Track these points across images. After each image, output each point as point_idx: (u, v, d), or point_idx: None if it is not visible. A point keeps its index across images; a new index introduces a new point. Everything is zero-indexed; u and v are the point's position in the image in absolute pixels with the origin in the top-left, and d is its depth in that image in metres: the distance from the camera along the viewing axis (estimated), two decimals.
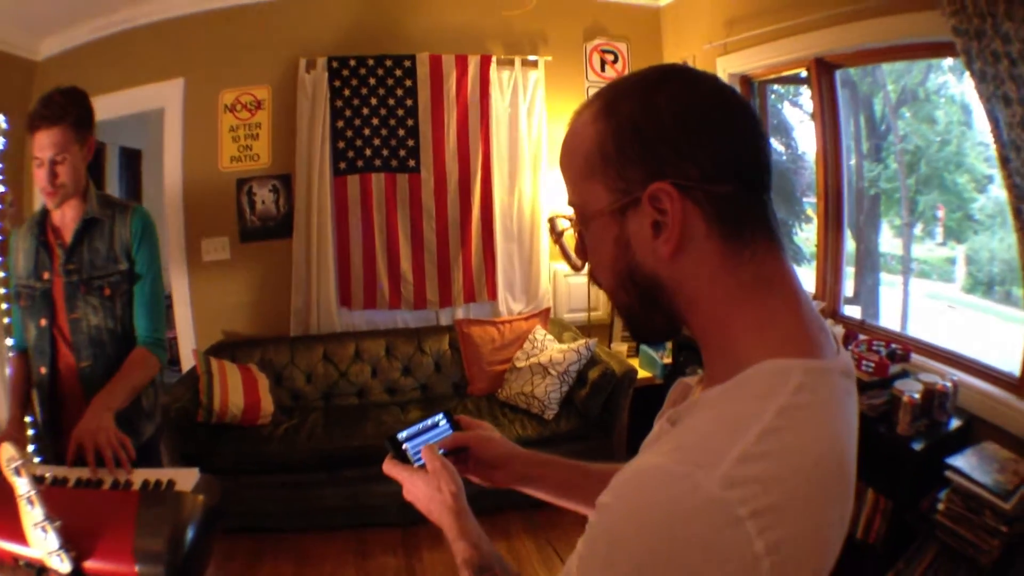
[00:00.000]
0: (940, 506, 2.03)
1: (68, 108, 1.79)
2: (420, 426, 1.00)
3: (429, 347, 3.80)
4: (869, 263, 2.75)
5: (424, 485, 0.90)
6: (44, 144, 1.78)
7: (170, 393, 3.29)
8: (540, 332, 3.76)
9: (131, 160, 5.94)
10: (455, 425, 1.03)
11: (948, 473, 2.02)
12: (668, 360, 3.68)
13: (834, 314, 2.90)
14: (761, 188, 0.64)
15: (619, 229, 0.65)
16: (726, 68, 3.39)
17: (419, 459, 0.94)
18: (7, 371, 2.09)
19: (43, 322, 1.87)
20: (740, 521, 0.51)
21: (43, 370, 1.89)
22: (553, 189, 4.00)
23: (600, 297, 4.15)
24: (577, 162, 0.67)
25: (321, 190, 3.82)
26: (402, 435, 0.98)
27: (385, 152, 3.87)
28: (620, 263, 0.67)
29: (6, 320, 3.59)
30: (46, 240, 1.88)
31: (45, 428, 1.94)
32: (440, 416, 1.03)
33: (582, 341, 3.54)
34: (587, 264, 0.73)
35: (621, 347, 4.06)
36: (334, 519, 3.23)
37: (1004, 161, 1.91)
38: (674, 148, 0.61)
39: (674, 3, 3.98)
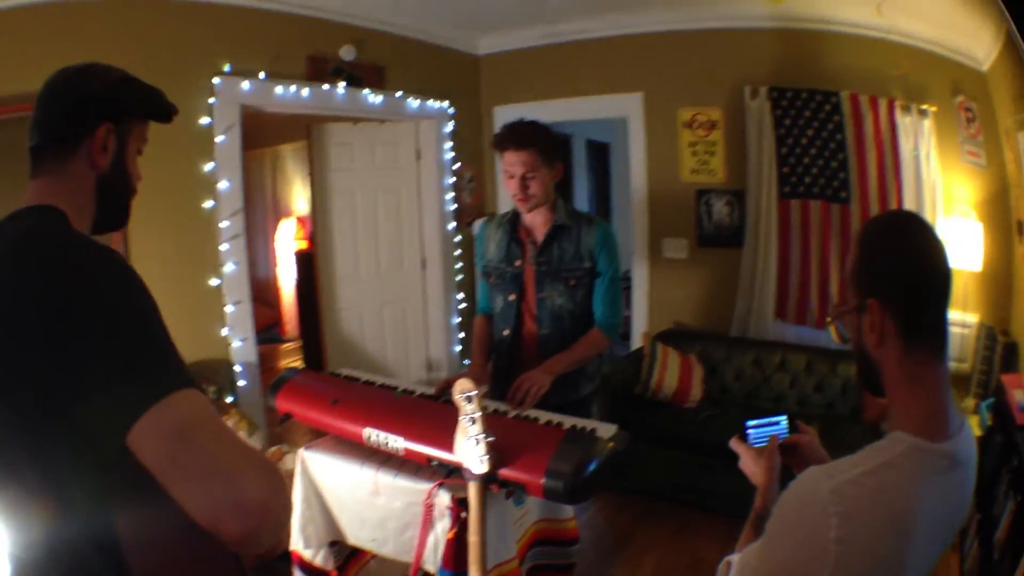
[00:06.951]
0: None
1: (532, 138, 2.10)
2: (766, 420, 1.31)
3: (841, 371, 3.87)
4: None
5: (750, 459, 1.27)
6: (514, 162, 2.10)
7: (616, 364, 4.04)
8: None
9: (598, 152, 6.88)
10: (792, 426, 1.35)
11: None
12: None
13: None
14: (933, 305, 0.96)
15: (858, 321, 1.01)
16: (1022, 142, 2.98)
17: (757, 442, 1.29)
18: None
19: (512, 297, 2.25)
20: (829, 515, 0.87)
21: (506, 332, 2.28)
22: (948, 240, 3.79)
23: (966, 348, 3.86)
24: (848, 268, 1.04)
25: (769, 209, 4.16)
26: (750, 423, 1.32)
27: (822, 181, 4.03)
28: (857, 344, 1.04)
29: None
30: (518, 236, 2.25)
31: (500, 376, 2.31)
32: (783, 417, 1.34)
33: None
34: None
35: (970, 402, 3.73)
36: (716, 502, 3.58)
37: None
38: (881, 276, 0.97)
39: (992, 68, 3.43)
